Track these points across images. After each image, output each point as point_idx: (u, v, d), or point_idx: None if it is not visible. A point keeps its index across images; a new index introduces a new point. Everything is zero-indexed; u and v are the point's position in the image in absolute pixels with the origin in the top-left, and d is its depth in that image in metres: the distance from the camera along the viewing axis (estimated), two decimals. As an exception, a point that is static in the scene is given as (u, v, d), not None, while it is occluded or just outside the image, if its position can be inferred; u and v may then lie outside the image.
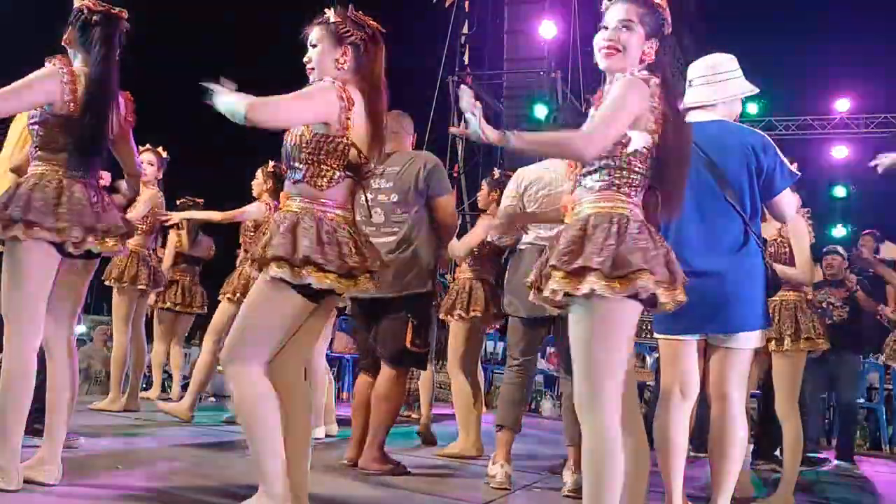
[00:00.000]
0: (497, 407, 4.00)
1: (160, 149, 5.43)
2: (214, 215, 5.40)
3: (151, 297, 5.98)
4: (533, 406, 8.76)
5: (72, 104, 2.79)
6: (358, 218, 3.75)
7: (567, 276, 2.18)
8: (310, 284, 2.39)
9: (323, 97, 2.47)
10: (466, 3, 13.60)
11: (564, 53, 13.00)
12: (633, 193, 2.28)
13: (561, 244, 2.25)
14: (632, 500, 2.38)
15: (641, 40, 2.34)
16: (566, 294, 2.23)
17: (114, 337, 5.62)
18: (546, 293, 2.27)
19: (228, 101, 2.27)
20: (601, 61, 2.38)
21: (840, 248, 6.26)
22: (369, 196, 3.86)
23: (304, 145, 2.49)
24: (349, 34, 2.57)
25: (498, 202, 4.89)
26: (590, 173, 2.31)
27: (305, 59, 2.60)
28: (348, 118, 2.48)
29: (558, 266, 2.20)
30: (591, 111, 2.39)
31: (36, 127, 2.84)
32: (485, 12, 13.85)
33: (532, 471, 4.29)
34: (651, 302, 2.26)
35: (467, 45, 13.71)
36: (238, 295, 5.21)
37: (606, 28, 2.36)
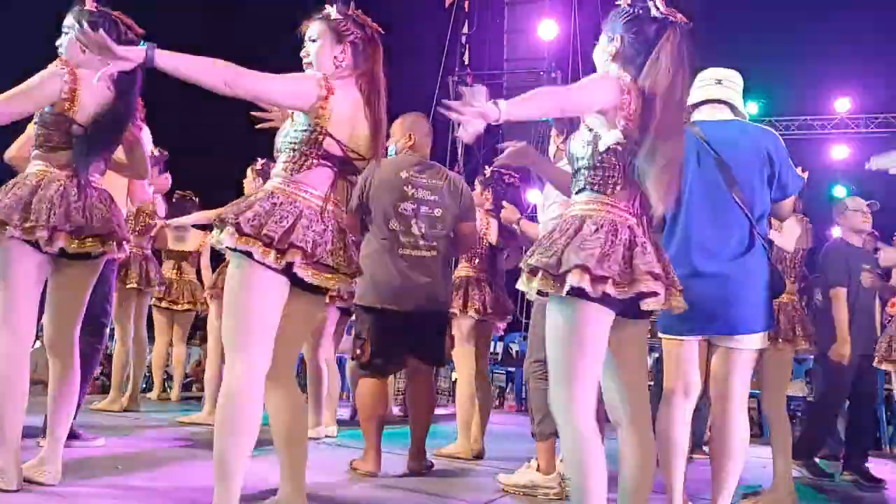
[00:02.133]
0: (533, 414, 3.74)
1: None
2: (206, 214, 5.39)
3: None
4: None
5: (67, 103, 2.80)
6: (396, 227, 3.78)
7: (526, 276, 2.27)
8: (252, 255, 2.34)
9: (298, 81, 2.46)
10: (466, 3, 13.57)
11: (564, 53, 12.97)
12: (610, 192, 2.28)
13: (552, 245, 2.27)
14: (636, 500, 2.39)
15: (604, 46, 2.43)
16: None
17: (115, 338, 5.64)
18: (521, 285, 2.33)
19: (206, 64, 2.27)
20: None
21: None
22: (410, 206, 3.89)
23: (286, 133, 2.51)
24: (349, 32, 2.57)
25: (492, 201, 4.90)
26: (573, 175, 2.37)
27: (303, 54, 2.59)
28: (323, 108, 2.45)
29: (521, 266, 2.29)
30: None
31: (36, 126, 2.87)
32: (485, 12, 13.82)
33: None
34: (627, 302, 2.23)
35: (467, 45, 13.69)
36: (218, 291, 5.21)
37: None
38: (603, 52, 2.42)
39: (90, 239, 2.80)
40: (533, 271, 2.25)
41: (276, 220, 2.35)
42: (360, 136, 2.54)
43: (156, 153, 5.58)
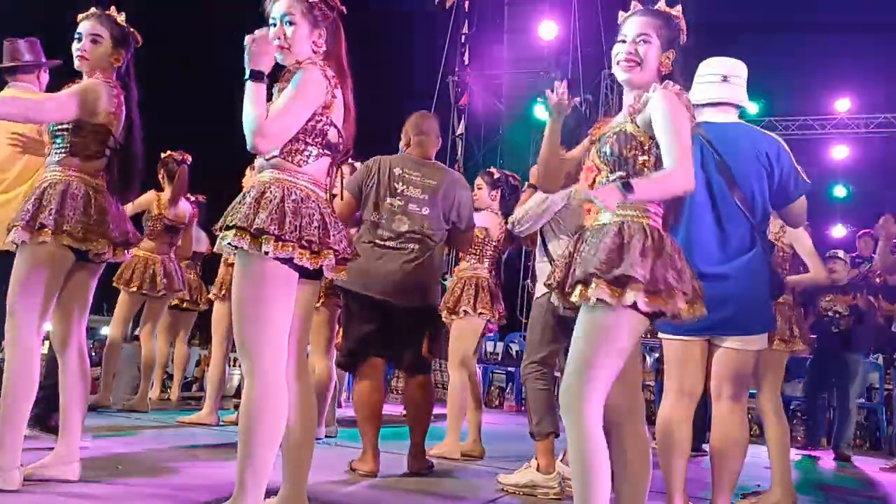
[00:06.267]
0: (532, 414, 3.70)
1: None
2: None
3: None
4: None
5: (113, 117, 2.93)
6: (379, 220, 3.77)
7: (609, 284, 2.19)
8: (286, 259, 2.31)
9: (316, 87, 2.39)
10: (466, 3, 13.57)
11: (564, 53, 12.98)
12: (661, 204, 2.32)
13: (599, 251, 2.23)
14: (633, 500, 2.39)
15: (658, 52, 2.38)
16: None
17: (109, 334, 5.66)
18: (575, 298, 2.27)
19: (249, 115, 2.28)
20: (621, 73, 2.41)
21: (841, 253, 6.26)
22: (398, 202, 3.85)
23: None
24: (325, 16, 2.49)
25: (499, 201, 4.90)
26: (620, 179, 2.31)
27: (276, 36, 2.41)
28: (333, 97, 2.42)
29: (600, 274, 2.19)
30: (622, 119, 2.40)
31: (68, 134, 2.90)
32: (485, 12, 13.82)
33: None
34: (662, 313, 2.27)
35: (467, 45, 13.69)
36: (225, 292, 5.21)
37: (624, 41, 2.39)
38: (657, 58, 2.38)
39: (111, 244, 2.91)
40: (619, 281, 2.19)
41: (281, 219, 2.29)
42: (340, 122, 2.51)
43: (177, 157, 5.64)
